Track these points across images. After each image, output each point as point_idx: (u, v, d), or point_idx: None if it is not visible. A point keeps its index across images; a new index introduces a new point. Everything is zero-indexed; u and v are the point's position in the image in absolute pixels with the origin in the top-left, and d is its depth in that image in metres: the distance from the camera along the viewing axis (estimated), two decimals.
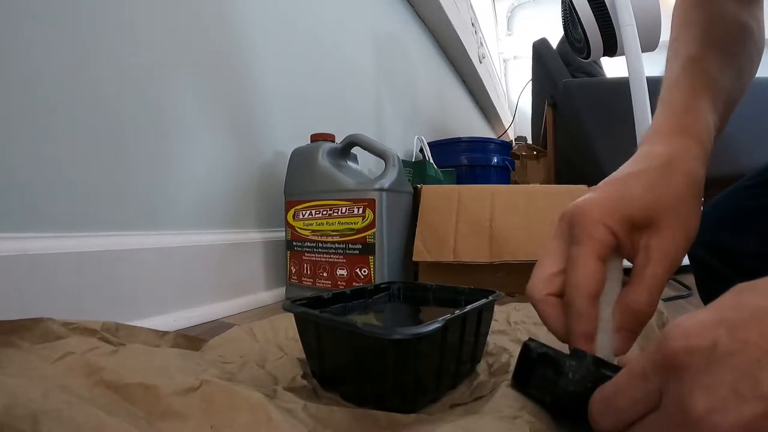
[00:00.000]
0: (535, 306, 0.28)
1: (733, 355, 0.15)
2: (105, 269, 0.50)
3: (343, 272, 0.67)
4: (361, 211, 0.66)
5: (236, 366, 0.33)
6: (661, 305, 0.49)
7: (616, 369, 0.22)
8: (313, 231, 0.70)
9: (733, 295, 0.18)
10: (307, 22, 0.93)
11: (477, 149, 1.41)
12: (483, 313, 0.34)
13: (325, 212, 0.69)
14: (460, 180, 1.32)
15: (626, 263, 0.27)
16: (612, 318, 0.25)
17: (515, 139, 2.14)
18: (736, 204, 0.48)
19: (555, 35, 1.76)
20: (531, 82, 1.99)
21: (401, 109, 1.46)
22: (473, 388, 0.31)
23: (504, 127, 2.81)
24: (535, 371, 0.26)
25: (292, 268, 0.73)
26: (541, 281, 0.27)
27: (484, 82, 2.56)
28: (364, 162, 0.86)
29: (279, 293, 0.76)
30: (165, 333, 0.40)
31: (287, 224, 0.74)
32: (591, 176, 0.30)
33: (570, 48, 1.28)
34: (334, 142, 0.75)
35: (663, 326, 0.44)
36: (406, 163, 1.18)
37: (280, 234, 0.77)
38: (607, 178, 0.29)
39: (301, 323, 0.33)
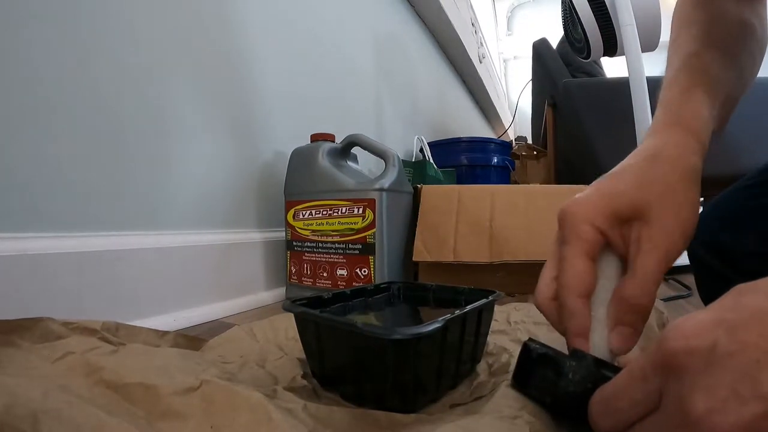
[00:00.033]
0: (540, 310, 0.28)
1: (732, 355, 0.15)
2: (105, 269, 0.50)
3: (343, 272, 0.67)
4: (361, 211, 0.66)
5: (236, 366, 0.33)
6: (661, 305, 0.49)
7: (616, 370, 0.22)
8: (313, 231, 0.70)
9: (733, 295, 0.18)
10: (307, 22, 0.93)
11: (477, 149, 1.41)
12: (483, 313, 0.34)
13: (325, 212, 0.69)
14: (460, 180, 1.32)
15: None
16: (607, 315, 0.25)
17: (515, 139, 2.14)
18: (736, 204, 0.48)
19: (555, 35, 1.76)
20: (531, 82, 1.99)
21: (401, 109, 1.46)
22: (473, 388, 0.31)
23: (504, 127, 2.81)
24: (535, 372, 0.26)
25: (292, 268, 0.73)
26: (544, 285, 0.28)
27: (484, 82, 2.56)
28: (364, 162, 0.86)
29: (279, 293, 0.76)
30: (165, 333, 0.40)
31: (287, 224, 0.74)
32: (591, 176, 0.30)
33: (570, 48, 1.28)
34: (334, 142, 0.75)
35: (663, 326, 0.44)
36: (406, 163, 1.18)
37: (280, 234, 0.77)
38: (599, 177, 0.29)
39: (301, 323, 0.33)
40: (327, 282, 0.68)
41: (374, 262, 0.65)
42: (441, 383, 0.30)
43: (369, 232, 0.65)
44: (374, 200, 0.65)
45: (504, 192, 0.83)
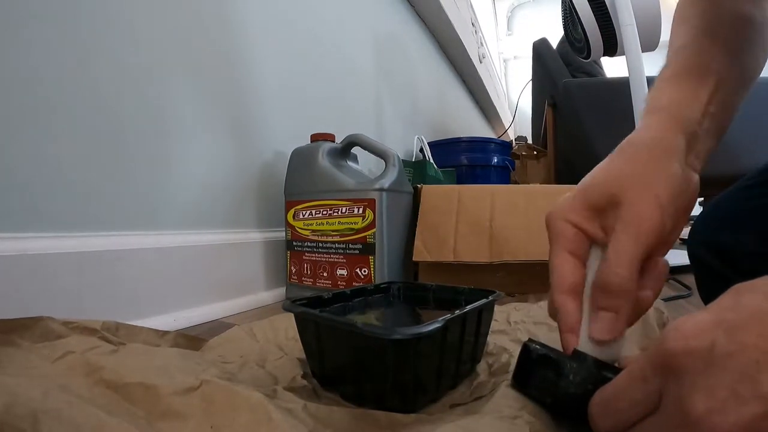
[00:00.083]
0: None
1: (731, 356, 0.15)
2: (105, 269, 0.50)
3: (343, 272, 0.67)
4: (361, 211, 0.66)
5: (236, 366, 0.33)
6: (661, 305, 0.49)
7: (617, 371, 0.22)
8: (313, 231, 0.70)
9: (732, 295, 0.18)
10: (307, 22, 0.93)
11: (477, 149, 1.41)
12: (483, 313, 0.34)
13: (325, 212, 0.69)
14: (460, 180, 1.32)
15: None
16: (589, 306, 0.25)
17: (515, 139, 2.14)
18: (736, 204, 0.48)
19: (555, 35, 1.76)
20: (531, 82, 1.99)
21: (401, 109, 1.46)
22: (473, 388, 0.31)
23: (504, 127, 2.80)
24: (535, 372, 0.26)
25: (292, 268, 0.73)
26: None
27: (484, 82, 2.56)
28: (364, 162, 0.86)
29: (279, 293, 0.76)
30: (165, 333, 0.40)
31: (287, 224, 0.74)
32: None
33: (570, 48, 1.28)
34: (334, 142, 0.75)
35: (663, 326, 0.44)
36: (406, 163, 1.18)
37: (280, 234, 0.77)
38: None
39: (301, 323, 0.33)
40: (327, 282, 0.68)
41: (374, 262, 0.65)
42: (441, 383, 0.30)
43: (369, 232, 0.65)
44: (374, 200, 0.65)
45: (504, 192, 0.83)
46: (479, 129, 2.82)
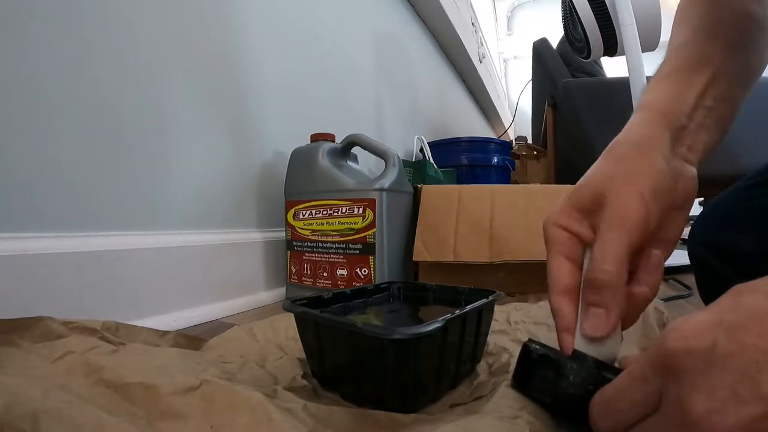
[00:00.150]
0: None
1: (731, 356, 0.15)
2: (105, 269, 0.50)
3: (343, 272, 0.67)
4: (361, 211, 0.66)
5: (236, 366, 0.33)
6: (661, 305, 0.49)
7: (616, 371, 0.22)
8: (314, 231, 0.70)
9: (732, 296, 0.18)
10: (307, 22, 0.93)
11: (477, 149, 1.41)
12: (483, 313, 0.34)
13: (325, 212, 0.69)
14: (460, 180, 1.32)
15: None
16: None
17: (515, 139, 2.14)
18: (736, 204, 0.48)
19: (555, 35, 1.76)
20: (531, 82, 1.99)
21: (401, 109, 1.46)
22: (473, 388, 0.32)
23: (504, 127, 2.80)
24: (535, 372, 0.26)
25: (292, 268, 0.73)
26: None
27: (484, 82, 2.56)
28: (364, 162, 0.86)
29: (279, 293, 0.76)
30: (165, 333, 0.40)
31: (287, 224, 0.74)
32: None
33: (570, 48, 1.28)
34: (334, 142, 0.75)
35: (663, 326, 0.44)
36: (406, 163, 1.18)
37: (280, 234, 0.77)
38: None
39: (301, 323, 0.33)
40: (327, 282, 0.68)
41: (374, 262, 0.65)
42: (441, 383, 0.30)
43: (369, 232, 0.65)
44: (374, 200, 0.65)
45: (504, 192, 0.83)
46: (479, 129, 2.82)
